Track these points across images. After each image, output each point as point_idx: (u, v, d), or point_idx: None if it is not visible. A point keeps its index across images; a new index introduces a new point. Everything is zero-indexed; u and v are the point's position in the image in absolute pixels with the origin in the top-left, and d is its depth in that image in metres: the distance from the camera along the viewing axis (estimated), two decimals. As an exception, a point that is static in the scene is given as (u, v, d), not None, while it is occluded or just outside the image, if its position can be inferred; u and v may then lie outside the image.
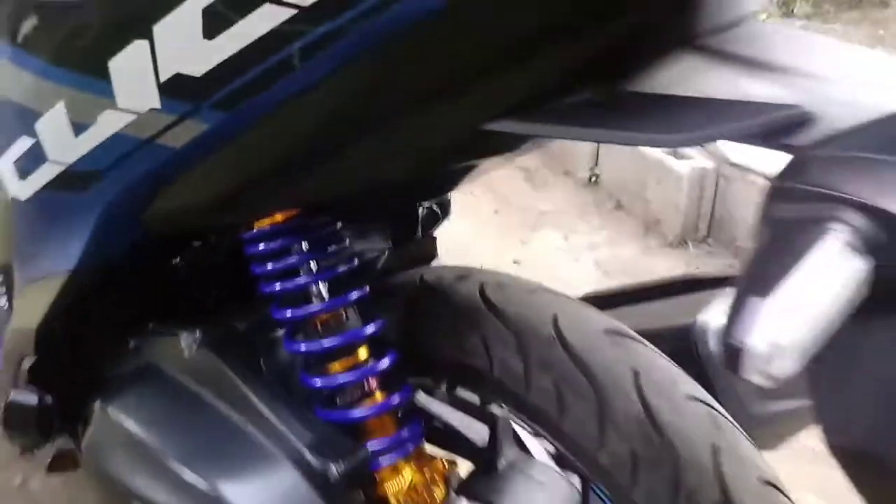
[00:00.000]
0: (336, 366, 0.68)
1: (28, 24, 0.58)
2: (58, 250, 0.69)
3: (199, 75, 0.49)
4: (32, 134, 0.62)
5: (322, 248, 0.69)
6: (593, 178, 2.75)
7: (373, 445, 0.67)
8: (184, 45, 0.48)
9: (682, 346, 0.79)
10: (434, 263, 0.89)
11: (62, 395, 0.83)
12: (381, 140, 0.52)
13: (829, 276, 0.30)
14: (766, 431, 0.77)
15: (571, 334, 0.61)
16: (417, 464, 0.70)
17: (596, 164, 2.75)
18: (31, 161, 0.64)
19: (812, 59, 0.43)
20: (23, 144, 0.63)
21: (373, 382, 0.69)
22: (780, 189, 0.36)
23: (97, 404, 0.73)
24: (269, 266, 0.68)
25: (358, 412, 0.67)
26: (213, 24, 0.46)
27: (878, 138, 0.36)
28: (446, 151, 0.53)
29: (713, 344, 0.77)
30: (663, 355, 0.61)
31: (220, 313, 0.75)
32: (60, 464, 1.05)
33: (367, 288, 0.70)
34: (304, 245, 0.68)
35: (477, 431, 0.85)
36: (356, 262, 0.71)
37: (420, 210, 0.88)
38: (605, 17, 0.43)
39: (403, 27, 0.43)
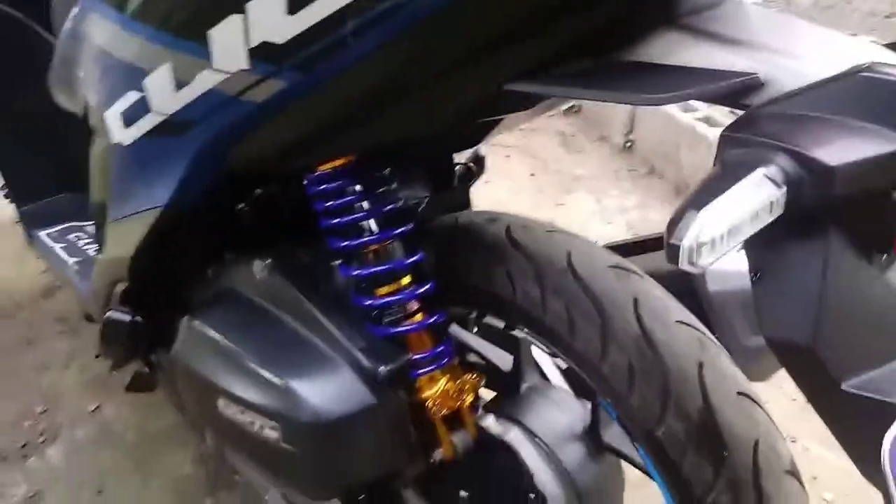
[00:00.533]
0: (383, 289, 0.79)
1: (138, -1, 0.69)
2: (152, 189, 0.79)
3: (281, 43, 0.59)
4: (140, 89, 0.72)
5: (373, 190, 0.79)
6: (628, 144, 2.80)
7: (413, 357, 0.78)
8: (270, 18, 0.58)
9: (685, 287, 0.88)
10: (467, 212, 0.99)
11: (149, 315, 0.97)
12: (422, 98, 0.62)
13: (748, 198, 0.41)
14: (759, 363, 0.85)
15: (582, 268, 0.70)
16: (451, 375, 0.81)
17: (631, 131, 2.80)
18: (136, 111, 0.75)
19: (775, 36, 0.52)
20: (130, 97, 0.75)
21: (414, 305, 0.80)
22: (731, 138, 0.47)
23: (185, 319, 0.86)
24: (329, 204, 0.78)
25: (400, 328, 0.78)
26: (295, 1, 0.56)
27: (810, 99, 0.46)
28: (474, 107, 0.63)
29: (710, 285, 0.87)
30: (661, 287, 0.70)
31: (285, 245, 0.86)
32: (137, 384, 1.19)
33: (411, 224, 0.80)
34: (359, 186, 0.78)
35: (502, 360, 0.97)
36: (401, 203, 0.81)
37: (457, 166, 0.99)
38: None
39: (441, 7, 0.53)
